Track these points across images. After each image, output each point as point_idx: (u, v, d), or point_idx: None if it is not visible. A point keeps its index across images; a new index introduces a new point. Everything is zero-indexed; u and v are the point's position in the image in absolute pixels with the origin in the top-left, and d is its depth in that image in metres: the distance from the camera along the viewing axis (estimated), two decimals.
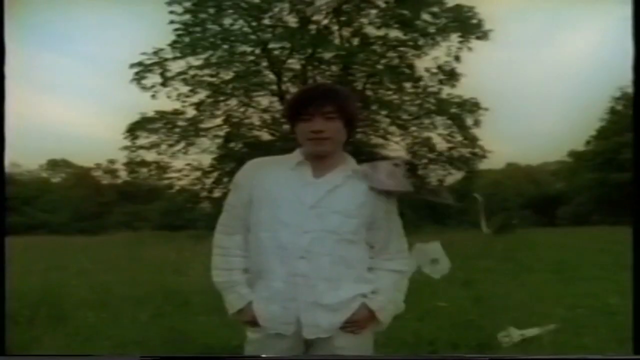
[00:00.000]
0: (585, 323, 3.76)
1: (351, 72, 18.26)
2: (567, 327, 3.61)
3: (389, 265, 1.52)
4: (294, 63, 18.20)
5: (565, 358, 2.75)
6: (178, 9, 16.47)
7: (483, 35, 17.30)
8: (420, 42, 17.72)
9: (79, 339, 3.44)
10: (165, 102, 17.99)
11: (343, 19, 17.96)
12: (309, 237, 1.40)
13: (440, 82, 18.54)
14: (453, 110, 18.33)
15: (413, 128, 19.46)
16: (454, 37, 17.58)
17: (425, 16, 17.33)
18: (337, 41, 17.95)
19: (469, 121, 18.55)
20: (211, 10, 16.86)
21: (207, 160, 18.92)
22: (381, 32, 17.91)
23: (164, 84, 17.41)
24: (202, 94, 18.05)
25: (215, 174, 19.11)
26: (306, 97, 1.45)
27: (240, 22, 17.23)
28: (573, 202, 24.18)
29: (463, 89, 18.40)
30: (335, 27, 18.17)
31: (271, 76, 18.27)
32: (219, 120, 18.66)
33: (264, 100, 18.85)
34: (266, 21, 17.41)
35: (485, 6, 17.50)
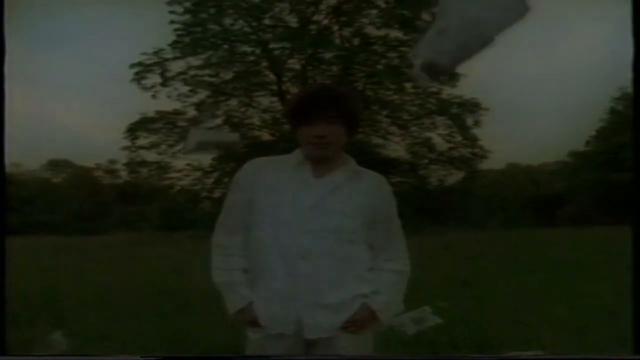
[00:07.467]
0: (585, 323, 3.75)
1: (351, 72, 18.26)
2: (567, 327, 3.61)
3: (389, 265, 1.52)
4: (294, 63, 18.24)
5: (565, 358, 2.75)
6: (178, 9, 16.51)
7: None
8: None
9: (79, 339, 3.44)
10: (165, 102, 18.05)
11: (343, 19, 17.96)
12: (309, 237, 1.40)
13: (441, 82, 18.55)
14: (453, 110, 18.35)
15: (413, 128, 19.49)
16: None
17: (425, 16, 17.33)
18: (337, 41, 17.95)
19: (469, 121, 18.58)
20: (211, 10, 16.86)
21: (207, 160, 18.96)
22: (381, 32, 17.94)
23: (164, 84, 17.45)
24: (202, 94, 18.09)
25: (215, 174, 19.13)
26: (310, 102, 1.43)
27: (241, 22, 17.26)
28: (573, 202, 24.16)
29: (463, 89, 18.43)
30: (335, 27, 18.18)
31: (271, 76, 18.29)
32: (219, 120, 18.67)
33: (264, 100, 18.90)
34: (266, 21, 17.44)
35: None
